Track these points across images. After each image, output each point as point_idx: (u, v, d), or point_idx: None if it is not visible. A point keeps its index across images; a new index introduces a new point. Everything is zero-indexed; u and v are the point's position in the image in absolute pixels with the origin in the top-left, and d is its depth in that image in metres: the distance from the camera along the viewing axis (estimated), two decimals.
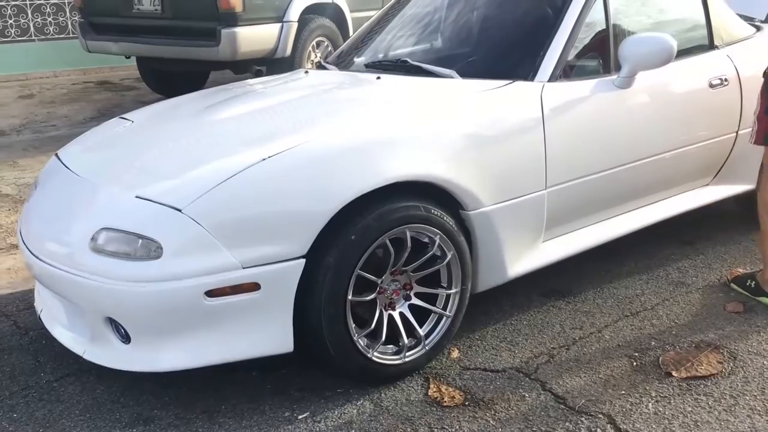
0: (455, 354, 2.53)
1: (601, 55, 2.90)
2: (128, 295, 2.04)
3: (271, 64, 6.31)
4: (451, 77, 2.78)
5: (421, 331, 2.37)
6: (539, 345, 2.58)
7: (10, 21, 9.13)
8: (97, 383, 2.40)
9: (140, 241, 2.05)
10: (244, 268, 2.05)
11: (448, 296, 2.43)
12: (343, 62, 3.35)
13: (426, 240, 2.33)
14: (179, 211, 2.05)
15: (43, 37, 9.40)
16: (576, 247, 2.81)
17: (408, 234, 2.26)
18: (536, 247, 2.69)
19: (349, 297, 2.17)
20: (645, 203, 3.08)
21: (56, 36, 9.48)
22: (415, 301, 2.38)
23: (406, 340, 2.34)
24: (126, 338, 2.12)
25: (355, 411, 2.21)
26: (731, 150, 3.30)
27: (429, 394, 2.29)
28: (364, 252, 2.17)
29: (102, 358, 2.19)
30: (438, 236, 2.32)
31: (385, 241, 2.22)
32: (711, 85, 3.13)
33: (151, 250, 2.04)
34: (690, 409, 2.17)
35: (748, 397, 2.22)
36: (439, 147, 2.34)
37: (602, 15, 2.91)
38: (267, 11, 6.22)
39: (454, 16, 3.26)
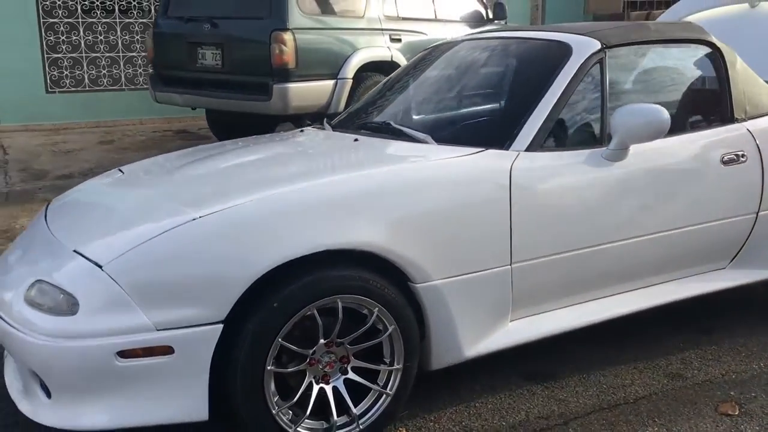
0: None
1: (593, 126, 2.73)
2: (45, 350, 2.03)
3: (325, 118, 6.40)
4: (426, 142, 2.69)
5: (355, 410, 2.24)
6: (493, 425, 2.38)
7: (104, 71, 9.76)
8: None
9: (62, 295, 2.06)
10: (157, 330, 2.01)
11: (389, 373, 2.29)
12: (342, 123, 3.33)
13: (365, 312, 2.22)
14: (100, 267, 2.05)
15: (133, 87, 9.98)
16: (551, 329, 2.60)
17: (340, 304, 2.15)
18: (502, 326, 2.51)
19: (269, 367, 2.09)
20: (641, 285, 2.83)
21: (144, 86, 10.04)
22: (351, 375, 2.26)
23: (336, 417, 2.21)
24: (48, 393, 2.12)
25: None
26: (750, 232, 3.00)
27: None
28: (287, 321, 2.09)
29: (29, 411, 2.19)
30: (377, 308, 2.20)
31: (312, 312, 2.12)
32: (723, 161, 2.88)
33: (69, 305, 2.04)
34: None
35: None
36: (382, 215, 2.24)
37: (598, 85, 2.75)
38: (321, 68, 6.34)
39: (448, 82, 3.18)
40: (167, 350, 2.02)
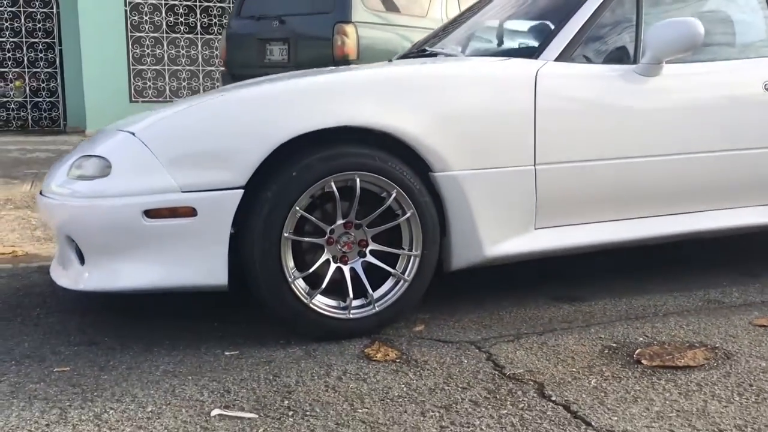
0: (419, 328, 2.38)
1: (627, 46, 2.73)
2: (79, 210, 2.17)
3: None
4: (455, 56, 2.75)
5: (371, 290, 2.27)
6: (512, 329, 2.36)
7: (184, 83, 10.27)
8: (66, 315, 2.54)
9: (97, 161, 2.20)
10: (182, 191, 2.11)
11: (407, 259, 2.32)
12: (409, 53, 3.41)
13: (383, 195, 2.27)
14: (132, 134, 2.19)
15: None
16: (579, 241, 2.57)
17: (358, 182, 2.21)
18: (526, 231, 2.50)
19: (285, 234, 2.15)
20: (679, 210, 2.76)
21: None
22: (369, 258, 2.30)
23: (351, 294, 2.25)
24: (81, 259, 2.24)
25: (282, 354, 2.15)
26: None
27: (365, 350, 2.17)
28: (305, 190, 2.16)
29: (69, 282, 2.32)
30: (395, 191, 2.25)
31: (331, 186, 2.19)
32: (766, 88, 2.81)
33: (103, 168, 2.17)
34: (638, 387, 1.87)
35: (717, 387, 1.87)
36: (403, 101, 2.30)
37: (633, 7, 2.75)
38: (382, 58, 6.50)
39: (491, 14, 3.24)
40: (190, 212, 2.12)
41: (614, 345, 2.20)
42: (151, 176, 2.12)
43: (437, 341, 2.26)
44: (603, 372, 1.98)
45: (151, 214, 2.11)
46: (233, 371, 2.02)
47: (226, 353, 2.16)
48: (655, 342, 2.22)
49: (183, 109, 2.25)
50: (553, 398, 1.82)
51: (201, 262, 2.15)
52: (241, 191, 2.13)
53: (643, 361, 2.05)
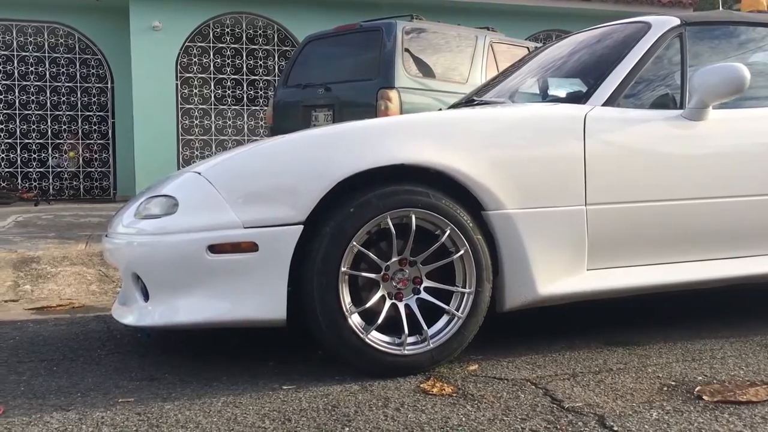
0: (473, 367, 2.39)
1: (673, 93, 2.80)
2: (146, 247, 2.27)
3: None
4: (504, 104, 2.84)
5: (426, 327, 2.30)
6: (567, 369, 2.35)
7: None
8: (125, 355, 2.61)
9: (165, 200, 2.31)
10: (245, 227, 2.20)
11: (461, 296, 2.35)
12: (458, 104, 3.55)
13: (438, 232, 2.32)
14: (198, 174, 2.30)
15: None
16: (629, 283, 2.58)
17: (413, 218, 2.27)
18: (578, 271, 2.52)
19: (343, 268, 2.21)
20: (729, 254, 2.75)
21: None
22: (423, 295, 2.34)
23: (406, 330, 2.27)
24: (146, 296, 2.32)
25: (339, 388, 2.17)
26: None
27: (421, 385, 2.18)
28: (362, 225, 2.22)
29: (133, 319, 2.40)
30: (449, 228, 2.30)
31: (387, 222, 2.25)
32: None
33: (170, 206, 2.28)
34: (701, 420, 1.84)
35: None
36: (457, 142, 2.38)
37: (678, 55, 2.83)
38: None
39: (540, 68, 3.35)
40: (252, 246, 2.20)
41: (673, 383, 2.18)
42: (215, 213, 2.21)
43: (492, 378, 2.26)
44: (664, 406, 1.96)
45: (214, 249, 2.19)
46: (292, 402, 2.05)
47: (284, 387, 2.19)
48: (714, 380, 2.19)
49: (246, 149, 2.36)
50: (615, 428, 1.80)
51: (261, 297, 2.21)
52: (301, 227, 2.20)
53: (704, 397, 2.02)
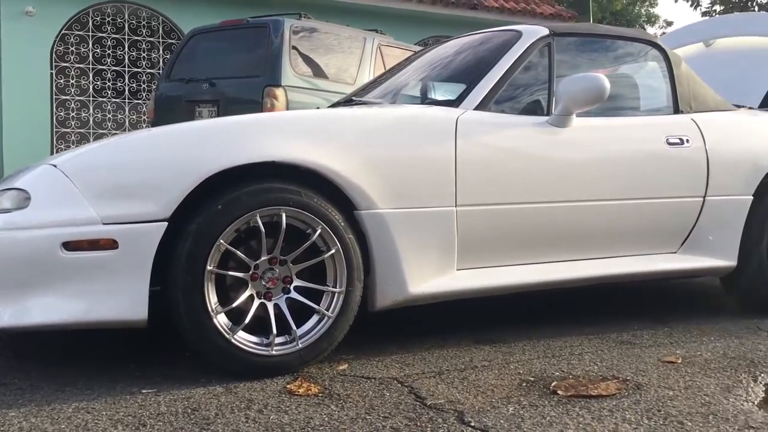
0: (343, 366, 2.38)
1: (541, 100, 2.91)
2: None
3: None
4: (380, 104, 2.86)
5: (295, 327, 2.27)
6: (435, 367, 2.39)
7: None
8: None
9: (16, 193, 2.16)
10: (103, 223, 2.09)
11: (332, 295, 2.34)
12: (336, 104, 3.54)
13: (309, 231, 2.30)
14: (54, 166, 2.17)
15: None
16: (497, 282, 2.66)
17: (284, 216, 2.24)
18: (448, 271, 2.57)
19: (209, 267, 2.15)
20: (591, 255, 2.90)
21: None
22: (294, 294, 2.31)
23: (274, 330, 2.24)
24: None
25: (202, 390, 2.11)
26: (698, 217, 3.09)
27: (287, 386, 2.15)
28: (230, 223, 2.17)
29: None
30: (320, 227, 2.28)
31: (256, 220, 2.21)
32: (669, 143, 3.02)
33: (21, 200, 2.13)
34: (553, 414, 1.92)
35: (628, 412, 1.94)
36: (330, 141, 2.37)
37: (546, 65, 2.95)
38: None
39: (418, 69, 3.40)
40: (111, 244, 2.10)
41: (532, 379, 2.26)
42: (71, 208, 2.10)
43: (360, 377, 2.26)
44: (521, 401, 2.03)
45: (70, 246, 2.08)
46: (150, 406, 1.97)
47: (144, 391, 2.11)
48: (570, 376, 2.29)
49: (108, 142, 2.26)
50: (472, 423, 1.85)
51: (121, 297, 2.11)
52: (165, 224, 2.12)
53: (558, 392, 2.11)
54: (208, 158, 2.19)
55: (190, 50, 7.22)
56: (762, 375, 2.33)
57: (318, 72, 6.80)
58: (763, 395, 2.14)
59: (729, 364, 2.44)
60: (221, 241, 2.16)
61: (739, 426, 1.85)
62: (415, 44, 9.43)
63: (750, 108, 3.75)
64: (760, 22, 4.30)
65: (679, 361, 2.48)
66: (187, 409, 1.95)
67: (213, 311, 2.16)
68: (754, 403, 2.05)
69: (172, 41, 10.23)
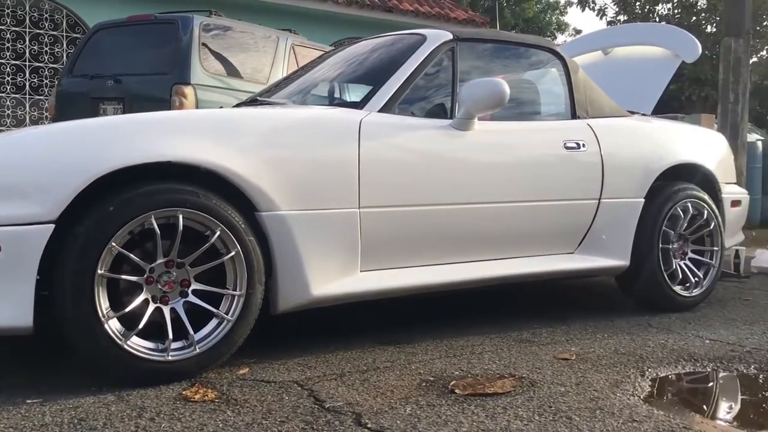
0: (243, 371, 2.34)
1: (445, 103, 2.95)
2: None
3: None
4: (284, 105, 2.84)
5: (192, 331, 2.22)
6: (337, 369, 2.39)
7: None
8: None
9: None
10: None
11: (231, 299, 2.30)
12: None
13: (207, 233, 2.25)
14: None
15: None
16: (401, 284, 2.68)
17: (181, 218, 2.18)
18: (352, 273, 2.57)
19: (100, 271, 2.07)
20: (492, 256, 2.96)
21: None
22: (192, 298, 2.25)
23: (171, 336, 2.18)
24: None
25: (92, 399, 2.03)
26: (594, 218, 3.21)
27: (183, 393, 2.10)
28: (122, 225, 2.10)
29: None
30: (219, 229, 2.24)
31: (151, 222, 2.14)
32: (566, 147, 3.13)
33: None
34: (449, 413, 1.95)
35: (520, 409, 1.99)
36: (230, 141, 2.32)
37: (449, 69, 2.99)
38: None
39: (327, 66, 3.40)
40: None
41: (432, 379, 2.28)
42: None
43: (260, 382, 2.23)
44: (419, 401, 2.05)
45: None
46: (34, 417, 1.88)
47: (28, 401, 2.01)
48: (469, 375, 2.33)
49: None
50: (369, 425, 1.85)
51: (4, 303, 2.01)
52: (52, 226, 2.03)
53: (456, 391, 2.14)
54: (100, 157, 2.10)
55: (94, 45, 6.96)
56: (649, 370, 2.44)
57: (231, 71, 6.69)
58: (649, 389, 2.24)
59: (619, 360, 2.54)
60: (113, 243, 2.09)
61: (623, 420, 1.93)
62: (330, 45, 9.41)
63: (643, 114, 3.93)
64: (653, 33, 4.52)
65: (573, 357, 2.56)
66: (74, 419, 1.87)
67: (104, 317, 2.08)
68: (640, 397, 2.14)
69: (77, 35, 9.83)
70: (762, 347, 2.77)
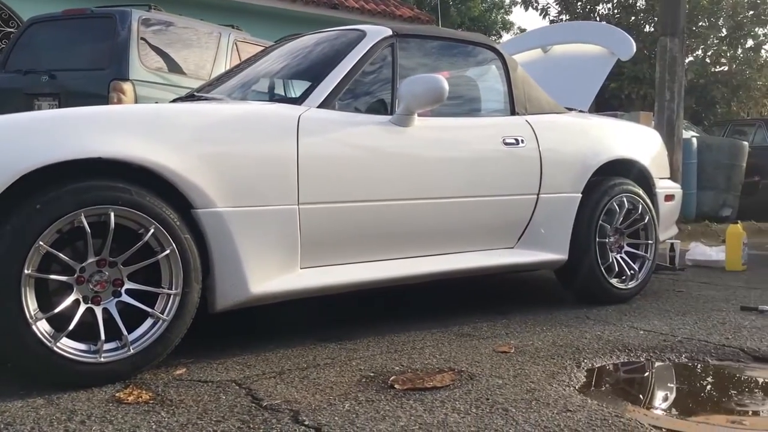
0: (180, 371, 2.30)
1: (385, 98, 2.95)
2: None
3: None
4: (221, 100, 2.80)
5: (126, 332, 2.16)
6: (276, 367, 2.37)
7: None
8: None
9: None
10: None
11: (167, 298, 2.25)
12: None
13: (141, 231, 2.20)
14: None
15: None
16: (341, 280, 2.67)
17: (112, 216, 2.13)
18: (292, 270, 2.55)
19: (27, 271, 2.00)
20: (435, 252, 2.98)
21: None
22: (125, 298, 2.20)
23: (103, 336, 2.12)
24: None
25: (20, 404, 1.96)
26: (533, 213, 3.26)
27: (116, 395, 2.05)
28: (50, 224, 2.03)
29: None
30: (153, 226, 2.19)
31: (81, 220, 2.08)
32: (505, 143, 3.17)
33: None
34: (387, 408, 1.95)
35: (458, 402, 2.01)
36: (163, 137, 2.27)
37: (389, 64, 2.99)
38: None
39: (267, 61, 3.36)
40: None
41: (372, 374, 2.28)
42: None
43: (197, 382, 2.19)
44: (358, 397, 2.05)
45: None
46: None
47: None
48: (409, 370, 2.34)
49: None
50: (306, 422, 1.84)
51: None
52: None
53: (396, 386, 2.14)
54: (26, 154, 2.03)
55: (28, 39, 6.75)
56: (585, 361, 2.49)
57: (173, 67, 6.56)
58: (585, 380, 2.29)
59: (557, 352, 2.59)
60: (40, 243, 2.02)
61: (558, 410, 1.96)
62: (274, 42, 9.32)
63: (580, 111, 4.00)
64: (591, 31, 4.61)
65: (512, 350, 2.60)
66: (0, 423, 1.80)
67: (32, 318, 2.02)
68: (575, 387, 2.18)
69: (11, 29, 9.52)
70: (693, 337, 2.85)
